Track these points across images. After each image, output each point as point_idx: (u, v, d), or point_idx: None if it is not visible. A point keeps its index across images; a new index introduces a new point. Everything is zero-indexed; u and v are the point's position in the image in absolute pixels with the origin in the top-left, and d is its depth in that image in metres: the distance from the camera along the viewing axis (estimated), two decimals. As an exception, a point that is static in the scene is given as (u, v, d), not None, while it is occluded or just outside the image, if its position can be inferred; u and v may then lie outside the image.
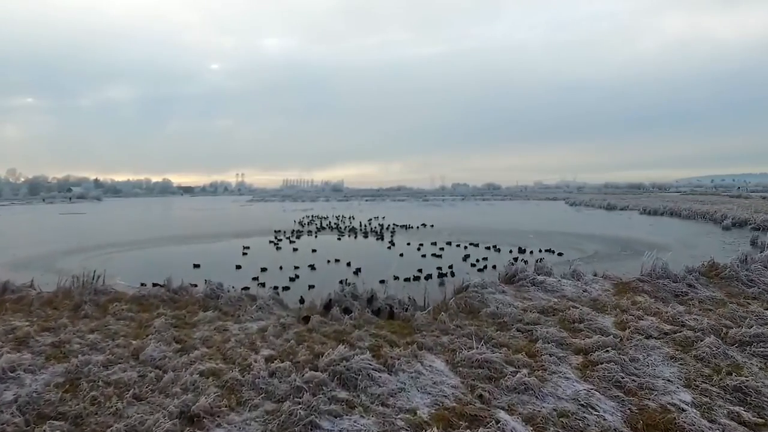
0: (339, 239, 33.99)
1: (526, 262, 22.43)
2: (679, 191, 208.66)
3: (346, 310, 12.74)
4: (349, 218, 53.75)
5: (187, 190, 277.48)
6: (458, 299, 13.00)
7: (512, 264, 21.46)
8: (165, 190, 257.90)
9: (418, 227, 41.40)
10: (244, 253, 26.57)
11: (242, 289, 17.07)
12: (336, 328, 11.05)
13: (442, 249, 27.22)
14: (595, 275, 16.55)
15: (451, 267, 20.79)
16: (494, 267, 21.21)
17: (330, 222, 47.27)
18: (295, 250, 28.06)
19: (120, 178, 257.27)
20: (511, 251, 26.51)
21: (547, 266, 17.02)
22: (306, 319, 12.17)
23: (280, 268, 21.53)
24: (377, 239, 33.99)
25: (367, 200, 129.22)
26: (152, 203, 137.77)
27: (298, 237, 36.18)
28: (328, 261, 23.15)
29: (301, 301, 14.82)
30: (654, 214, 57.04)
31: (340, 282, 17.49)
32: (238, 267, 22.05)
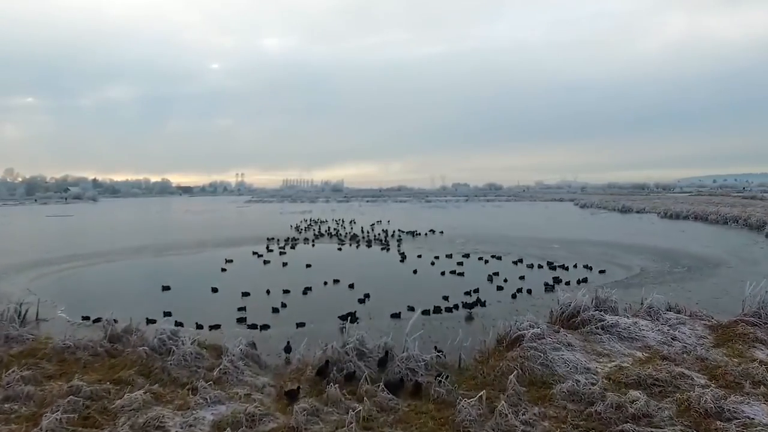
0: (339, 249, 29.98)
1: (567, 283, 18.47)
2: (684, 191, 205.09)
3: (349, 377, 8.79)
4: (350, 222, 49.75)
5: (186, 191, 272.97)
6: (511, 360, 9.02)
7: (551, 286, 17.73)
8: (164, 190, 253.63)
9: (426, 234, 37.38)
10: (224, 270, 22.49)
11: (210, 328, 13.13)
12: (335, 420, 7.08)
13: (460, 264, 23.20)
14: (678, 312, 12.54)
15: (477, 292, 16.82)
16: (530, 292, 17.20)
17: (329, 227, 43.25)
18: (284, 264, 23.97)
19: (119, 178, 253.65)
20: (540, 266, 22.53)
21: (610, 298, 13.03)
22: (291, 395, 8.22)
23: (267, 292, 17.53)
24: (382, 249, 29.99)
25: (368, 201, 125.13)
26: (148, 204, 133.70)
27: (293, 246, 32.19)
28: (326, 282, 19.10)
29: (287, 354, 10.83)
30: (676, 218, 53.02)
31: (341, 321, 13.53)
32: (215, 290, 18.04)
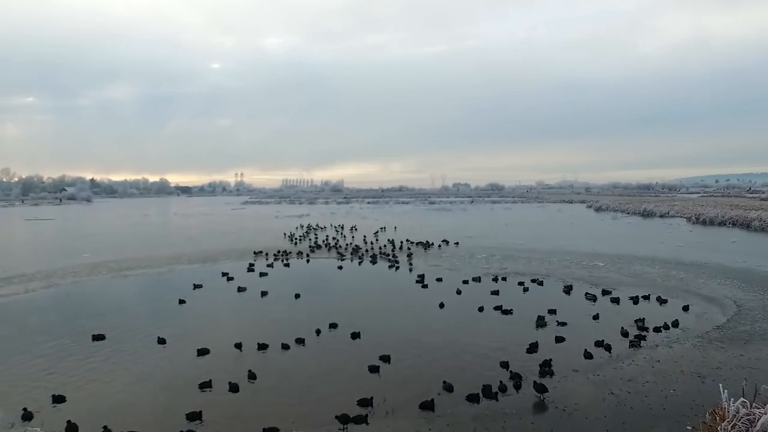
0: (340, 268, 24.73)
1: (657, 330, 13.29)
2: (691, 192, 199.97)
3: None
4: (351, 230, 44.56)
5: (185, 191, 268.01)
6: None
7: (637, 340, 12.23)
8: (162, 190, 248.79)
9: (439, 245, 32.18)
10: (182, 302, 17.14)
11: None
12: None
13: (496, 293, 17.95)
14: None
15: (535, 349, 11.72)
16: (608, 348, 11.96)
17: (328, 237, 38.06)
18: (263, 295, 18.42)
19: (119, 177, 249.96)
20: (595, 298, 17.34)
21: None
22: None
23: (237, 346, 12.33)
24: (391, 266, 24.81)
25: (368, 203, 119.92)
26: (143, 205, 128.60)
27: (285, 260, 27.09)
28: (318, 331, 13.68)
29: None
30: (709, 224, 47.85)
31: (341, 424, 8.31)
32: (162, 341, 12.84)
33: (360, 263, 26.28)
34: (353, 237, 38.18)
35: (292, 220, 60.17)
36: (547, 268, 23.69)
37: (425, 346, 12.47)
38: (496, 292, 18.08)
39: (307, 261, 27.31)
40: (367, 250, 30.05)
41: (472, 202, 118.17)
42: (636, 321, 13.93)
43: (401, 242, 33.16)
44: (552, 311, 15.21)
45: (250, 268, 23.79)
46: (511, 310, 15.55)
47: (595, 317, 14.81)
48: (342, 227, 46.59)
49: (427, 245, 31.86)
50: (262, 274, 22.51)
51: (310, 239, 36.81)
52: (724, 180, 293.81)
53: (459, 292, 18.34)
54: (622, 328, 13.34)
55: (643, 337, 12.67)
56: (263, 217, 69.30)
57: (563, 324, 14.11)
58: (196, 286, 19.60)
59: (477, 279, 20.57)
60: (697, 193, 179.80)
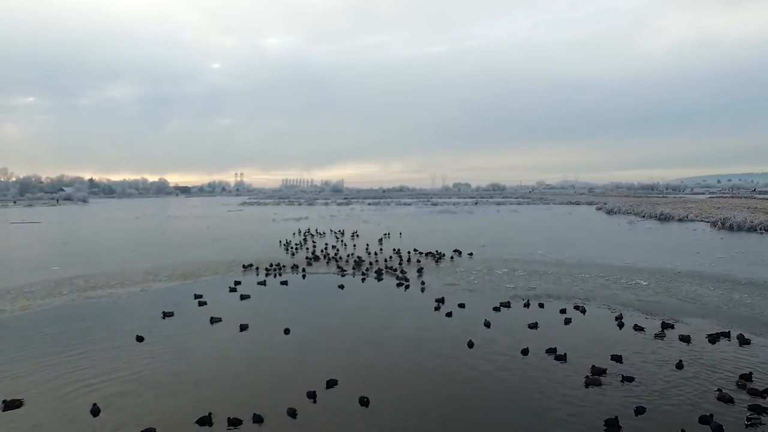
0: (341, 287, 21.24)
1: (762, 395, 9.92)
2: (695, 192, 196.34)
3: None
4: (353, 236, 41.18)
5: (184, 191, 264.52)
6: None
7: (756, 417, 8.43)
8: (161, 190, 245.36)
9: (452, 257, 28.77)
10: (140, 339, 13.70)
11: None
12: None
13: (534, 328, 14.54)
14: None
15: (617, 425, 8.36)
16: (707, 421, 8.58)
17: (327, 245, 34.69)
18: (243, 329, 14.80)
19: (118, 177, 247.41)
20: (663, 336, 13.96)
21: None
22: None
23: (201, 422, 8.92)
24: (399, 284, 21.40)
25: (369, 204, 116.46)
26: (139, 206, 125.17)
27: (278, 274, 23.74)
28: (312, 394, 10.12)
29: None
30: (737, 230, 44.46)
31: None
32: (95, 413, 9.39)
33: (363, 280, 22.90)
34: (355, 246, 34.77)
35: (289, 224, 56.82)
36: (583, 287, 20.30)
37: (463, 419, 9.08)
38: (534, 326, 14.68)
39: (303, 276, 23.93)
40: (371, 263, 26.64)
41: (476, 203, 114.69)
42: (741, 378, 10.51)
43: (408, 253, 29.74)
44: (616, 358, 11.81)
45: (233, 289, 20.35)
46: (565, 355, 12.12)
47: (679, 366, 11.38)
48: (342, 233, 43.20)
49: (437, 257, 28.45)
50: (243, 297, 19.00)
51: (307, 248, 33.42)
52: (725, 180, 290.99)
53: (488, 325, 14.92)
54: (720, 390, 9.95)
55: (765, 410, 9.22)
56: (259, 220, 65.90)
57: (629, 379, 10.70)
58: (166, 315, 16.20)
59: (506, 305, 17.18)
60: (703, 193, 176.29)
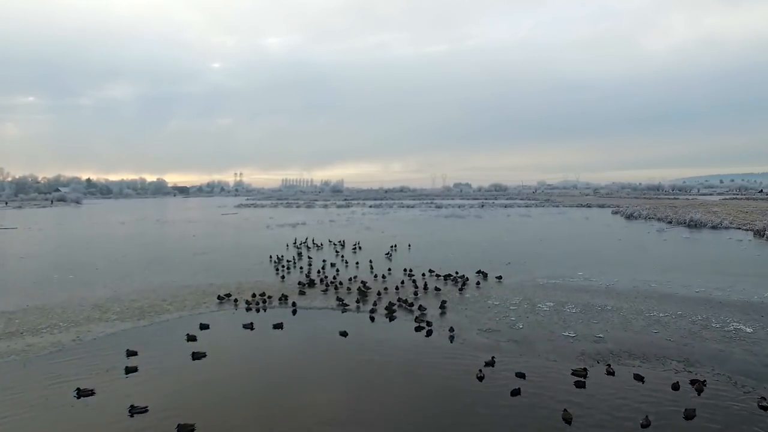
0: (343, 334, 15.86)
1: None
2: (702, 193, 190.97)
3: None
4: (354, 248, 35.97)
5: (182, 191, 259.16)
6: None
7: None
8: (159, 190, 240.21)
9: (478, 282, 23.56)
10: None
11: None
12: None
13: (646, 425, 9.39)
14: None
15: None
16: None
17: (325, 263, 29.46)
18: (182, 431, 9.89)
19: (118, 177, 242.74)
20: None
21: None
22: None
23: None
24: (419, 328, 16.17)
25: (370, 206, 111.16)
26: (132, 207, 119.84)
27: (261, 309, 18.52)
28: None
29: None
30: (786, 240, 39.40)
31: None
32: None
33: (372, 319, 17.67)
34: (357, 264, 29.50)
35: (284, 231, 51.65)
36: (668, 337, 15.04)
37: None
38: (646, 424, 9.41)
39: (294, 312, 18.71)
40: (379, 293, 21.37)
41: (482, 206, 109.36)
42: None
43: (423, 276, 24.54)
44: None
45: (192, 337, 15.04)
46: None
47: None
48: (342, 245, 37.96)
49: (460, 282, 23.19)
50: (196, 356, 13.57)
51: (301, 268, 28.19)
52: (727, 180, 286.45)
53: (569, 421, 9.67)
54: None
55: None
56: (253, 226, 60.67)
57: None
58: (82, 393, 10.91)
59: (580, 373, 11.87)
60: (711, 194, 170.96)
